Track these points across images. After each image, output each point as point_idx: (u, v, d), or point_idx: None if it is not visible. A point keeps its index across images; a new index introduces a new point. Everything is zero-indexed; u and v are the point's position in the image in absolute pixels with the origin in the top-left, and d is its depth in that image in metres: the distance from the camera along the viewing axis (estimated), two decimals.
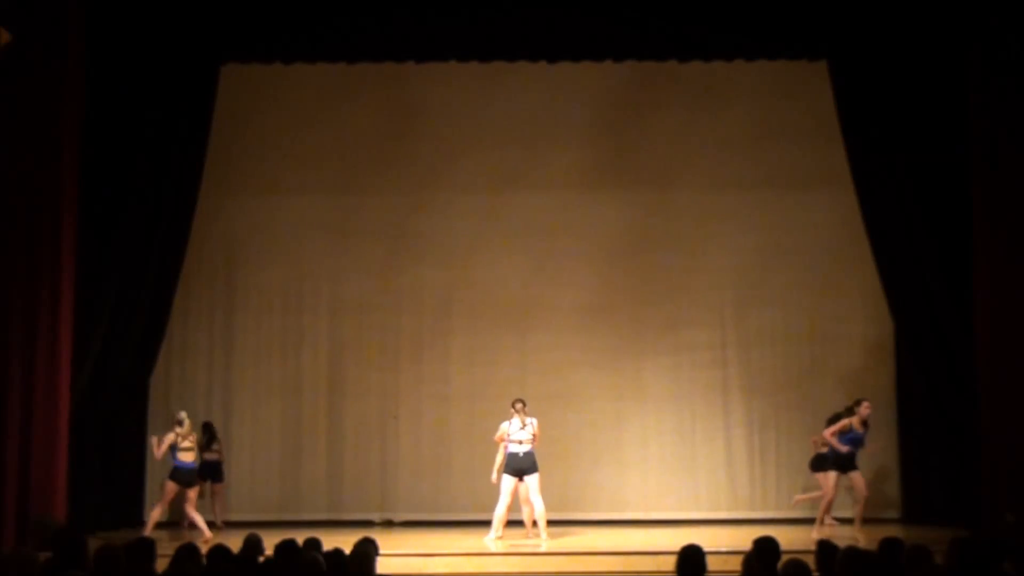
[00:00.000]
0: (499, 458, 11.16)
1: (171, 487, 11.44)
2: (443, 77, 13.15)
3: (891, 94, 11.68)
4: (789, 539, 9.47)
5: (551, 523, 11.18)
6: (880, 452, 12.99)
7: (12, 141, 10.65)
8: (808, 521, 11.97)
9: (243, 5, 11.63)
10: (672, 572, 5.74)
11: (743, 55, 12.21)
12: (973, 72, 11.24)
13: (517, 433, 11.00)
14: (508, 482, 11.02)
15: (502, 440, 11.10)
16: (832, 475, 11.42)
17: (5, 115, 10.62)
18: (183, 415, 11.60)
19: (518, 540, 10.96)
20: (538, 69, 12.62)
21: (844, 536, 10.18)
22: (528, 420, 11.04)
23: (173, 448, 11.39)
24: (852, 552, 5.63)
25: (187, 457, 11.44)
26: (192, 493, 11.52)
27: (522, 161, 13.50)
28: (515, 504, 11.20)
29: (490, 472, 11.21)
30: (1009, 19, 10.97)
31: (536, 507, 11.02)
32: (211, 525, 11.74)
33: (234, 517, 12.77)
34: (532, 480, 10.96)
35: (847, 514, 12.64)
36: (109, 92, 11.54)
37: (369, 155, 13.54)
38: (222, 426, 13.22)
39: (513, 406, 11.09)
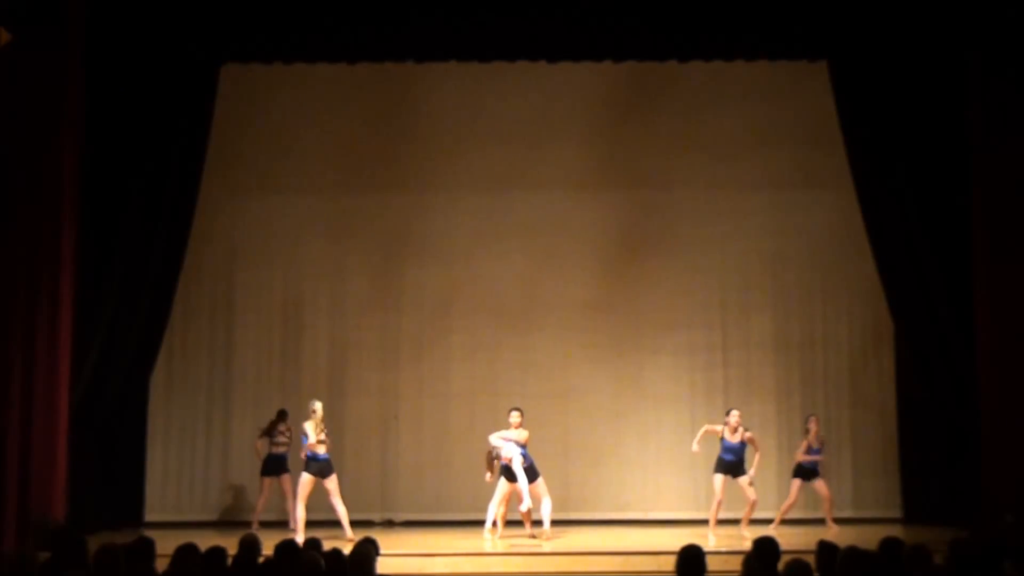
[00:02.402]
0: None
1: (307, 479, 11.14)
2: (443, 77, 13.15)
3: (891, 95, 11.69)
4: (789, 539, 9.50)
5: (553, 522, 11.19)
6: (880, 452, 13.04)
7: (12, 141, 10.64)
8: (808, 522, 11.98)
9: (243, 5, 11.62)
10: (672, 572, 5.73)
11: (743, 55, 12.20)
12: (973, 72, 11.24)
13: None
14: (504, 483, 11.10)
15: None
16: (721, 478, 11.58)
17: (5, 115, 10.61)
18: (317, 405, 11.28)
19: (518, 540, 10.95)
20: (538, 69, 12.62)
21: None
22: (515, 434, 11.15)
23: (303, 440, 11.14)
24: (852, 552, 5.63)
25: (320, 448, 11.14)
26: (330, 484, 11.16)
27: (522, 161, 13.50)
28: (512, 504, 11.21)
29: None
30: (1009, 20, 10.97)
31: (544, 506, 11.08)
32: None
33: (235, 517, 12.78)
34: (537, 484, 11.07)
35: (848, 514, 12.69)
36: (109, 92, 11.54)
37: (369, 155, 13.54)
38: (222, 426, 13.24)
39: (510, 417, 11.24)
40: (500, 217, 13.52)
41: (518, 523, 11.27)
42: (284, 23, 11.63)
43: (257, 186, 13.46)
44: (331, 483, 11.15)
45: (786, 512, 12.02)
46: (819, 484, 12.03)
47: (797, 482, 12.05)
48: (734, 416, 11.61)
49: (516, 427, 11.22)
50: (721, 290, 13.47)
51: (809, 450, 12.06)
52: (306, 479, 11.09)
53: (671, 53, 12.19)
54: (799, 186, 13.36)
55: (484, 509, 11.34)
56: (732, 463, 11.55)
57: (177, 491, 13.16)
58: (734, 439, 11.53)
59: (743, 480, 11.52)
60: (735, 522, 11.63)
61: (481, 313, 13.46)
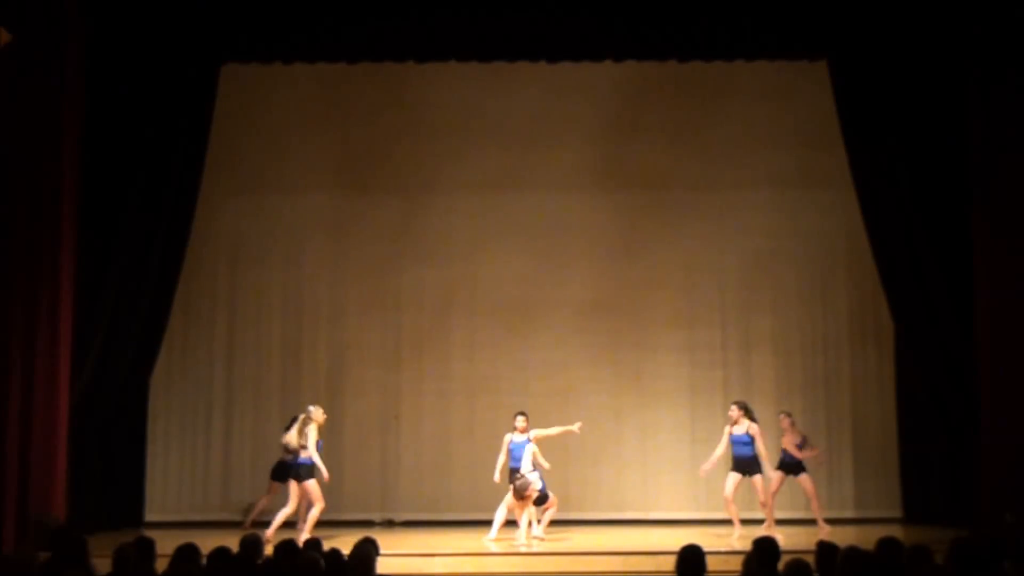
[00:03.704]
0: (501, 457, 11.21)
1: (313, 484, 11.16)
2: (443, 77, 13.15)
3: (891, 94, 11.68)
4: (789, 539, 9.51)
5: (553, 522, 11.20)
6: (880, 452, 13.04)
7: (12, 141, 10.64)
8: (808, 522, 11.97)
9: (243, 5, 11.62)
10: (672, 572, 5.74)
11: (743, 55, 12.19)
12: (973, 71, 11.23)
13: (516, 450, 11.19)
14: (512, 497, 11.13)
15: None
16: (734, 476, 11.54)
17: (5, 115, 10.61)
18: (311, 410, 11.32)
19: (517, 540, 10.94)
20: (538, 69, 12.60)
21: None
22: (526, 439, 11.20)
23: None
24: (852, 552, 5.63)
25: (306, 454, 11.16)
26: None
27: (522, 161, 13.50)
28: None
29: (489, 472, 11.27)
30: (1009, 20, 10.97)
31: (548, 512, 11.18)
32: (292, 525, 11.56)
33: (235, 517, 12.78)
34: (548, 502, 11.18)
35: (848, 515, 12.71)
36: (109, 92, 11.54)
37: (369, 155, 13.54)
38: (222, 426, 13.24)
39: (514, 422, 11.31)
40: (500, 217, 13.53)
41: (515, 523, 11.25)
42: (284, 23, 11.63)
43: (257, 186, 13.46)
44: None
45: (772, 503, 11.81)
46: (803, 479, 11.80)
47: (779, 474, 11.81)
48: (733, 410, 11.53)
49: (521, 431, 11.24)
50: (721, 290, 13.47)
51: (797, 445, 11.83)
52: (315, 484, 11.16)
53: (671, 53, 12.18)
54: (799, 186, 13.36)
55: (484, 509, 11.34)
56: (742, 459, 11.44)
57: (177, 491, 13.16)
58: (739, 431, 11.47)
59: (758, 479, 11.45)
60: (743, 522, 11.59)
61: (481, 313, 13.47)
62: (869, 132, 11.82)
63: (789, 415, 12.00)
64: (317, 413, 11.23)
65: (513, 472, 11.04)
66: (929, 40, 11.54)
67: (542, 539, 10.91)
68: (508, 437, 11.28)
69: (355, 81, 13.24)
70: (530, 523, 10.98)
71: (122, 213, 11.61)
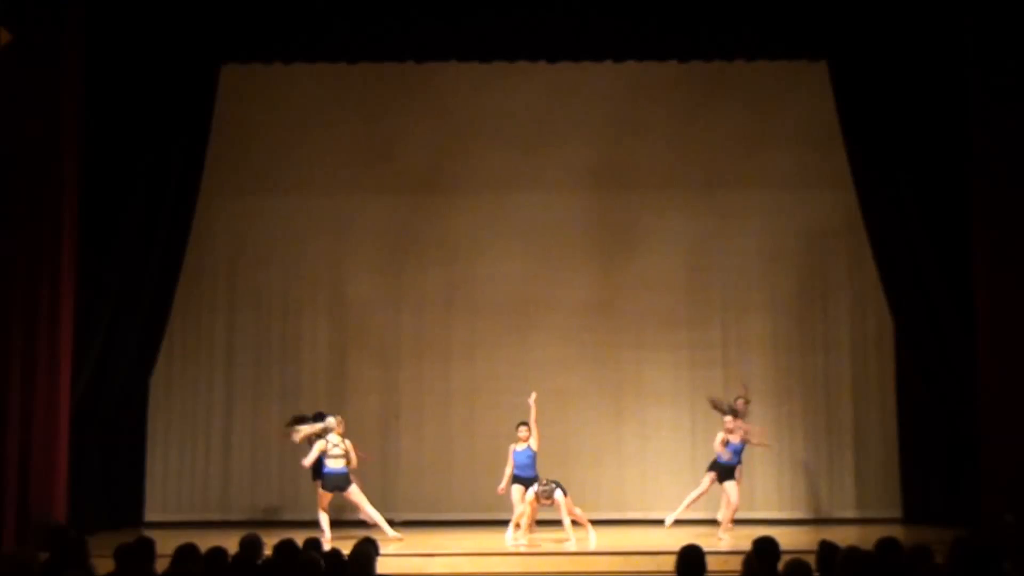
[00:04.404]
0: (508, 470, 11.25)
1: (322, 495, 11.23)
2: (443, 77, 13.15)
3: (891, 94, 11.68)
4: (789, 539, 9.50)
5: (551, 523, 11.21)
6: (880, 452, 13.03)
7: (12, 140, 10.64)
8: (808, 522, 11.98)
9: (243, 5, 11.63)
10: (672, 572, 5.73)
11: (743, 55, 12.19)
12: (973, 72, 11.23)
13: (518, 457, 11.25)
14: (516, 492, 11.13)
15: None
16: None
17: (5, 115, 10.61)
18: (331, 420, 11.32)
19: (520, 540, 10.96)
20: (538, 69, 12.61)
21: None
22: (527, 447, 11.26)
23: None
24: (852, 552, 5.63)
25: (335, 464, 11.18)
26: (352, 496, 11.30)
27: (522, 161, 13.49)
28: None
29: (489, 472, 11.28)
30: (1008, 22, 10.97)
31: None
32: None
33: (234, 517, 12.78)
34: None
35: (848, 515, 12.71)
36: (109, 92, 11.55)
37: (370, 155, 13.54)
38: (222, 426, 13.24)
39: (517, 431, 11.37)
40: (500, 217, 13.53)
41: (505, 523, 11.26)
42: (284, 23, 11.64)
43: (257, 186, 13.45)
44: (353, 496, 11.28)
45: (695, 502, 11.72)
46: (730, 486, 11.54)
47: (712, 475, 11.62)
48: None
49: (524, 440, 11.25)
50: (721, 290, 13.45)
51: (728, 445, 11.52)
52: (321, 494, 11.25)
53: (671, 53, 12.19)
54: (799, 186, 13.35)
55: (484, 509, 11.39)
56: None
57: (177, 491, 13.16)
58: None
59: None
60: (743, 522, 11.60)
61: (482, 312, 13.46)
62: (869, 133, 11.82)
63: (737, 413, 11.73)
64: (334, 423, 11.30)
65: (517, 480, 11.13)
66: (929, 41, 11.54)
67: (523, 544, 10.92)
68: (511, 447, 11.31)
69: (355, 81, 13.22)
70: (529, 524, 11.01)
71: (122, 213, 11.62)
